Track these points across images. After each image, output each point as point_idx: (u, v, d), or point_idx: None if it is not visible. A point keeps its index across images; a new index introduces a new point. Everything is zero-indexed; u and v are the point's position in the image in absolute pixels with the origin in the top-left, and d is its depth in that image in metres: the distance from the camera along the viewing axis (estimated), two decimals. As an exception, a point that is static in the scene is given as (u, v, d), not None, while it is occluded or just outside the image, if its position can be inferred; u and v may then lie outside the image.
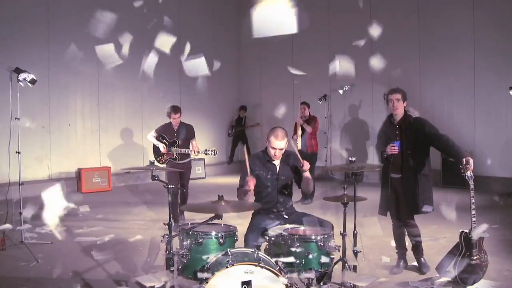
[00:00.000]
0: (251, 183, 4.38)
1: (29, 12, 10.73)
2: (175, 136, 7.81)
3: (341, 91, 12.58)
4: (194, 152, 7.76)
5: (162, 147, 7.73)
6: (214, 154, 7.78)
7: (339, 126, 13.12)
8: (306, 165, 4.57)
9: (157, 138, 7.84)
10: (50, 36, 11.10)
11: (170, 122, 7.85)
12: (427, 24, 11.35)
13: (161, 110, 13.61)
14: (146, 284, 2.31)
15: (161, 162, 7.72)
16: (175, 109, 7.82)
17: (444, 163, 10.45)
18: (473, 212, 4.44)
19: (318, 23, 13.15)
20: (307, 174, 4.64)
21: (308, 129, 9.53)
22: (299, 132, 9.62)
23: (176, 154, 7.75)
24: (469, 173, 4.38)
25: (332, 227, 4.27)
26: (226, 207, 3.60)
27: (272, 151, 4.58)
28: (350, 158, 4.45)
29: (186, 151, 7.70)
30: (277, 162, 4.68)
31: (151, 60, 12.57)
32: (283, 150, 4.61)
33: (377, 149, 5.32)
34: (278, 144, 4.53)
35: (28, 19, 10.67)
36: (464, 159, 4.39)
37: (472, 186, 4.41)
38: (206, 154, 7.74)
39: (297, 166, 4.67)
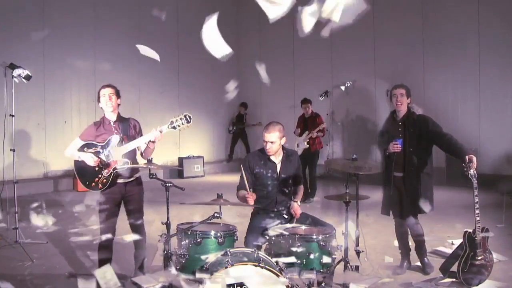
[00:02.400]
0: (250, 200, 4.36)
1: (25, 6, 10.72)
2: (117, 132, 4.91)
3: (343, 87, 12.58)
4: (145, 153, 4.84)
5: (90, 159, 4.60)
6: (188, 122, 4.72)
7: (341, 123, 13.12)
8: (297, 212, 4.59)
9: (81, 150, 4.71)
10: (45, 31, 11.08)
11: (103, 119, 4.87)
12: (431, 19, 11.34)
13: (159, 107, 13.71)
14: (143, 285, 2.30)
15: (100, 184, 4.62)
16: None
17: (448, 161, 10.45)
18: (477, 211, 4.44)
19: (319, 19, 13.13)
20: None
21: (315, 134, 9.56)
22: (304, 135, 9.63)
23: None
24: (472, 172, 4.38)
25: (334, 231, 4.27)
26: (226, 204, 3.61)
27: (264, 145, 4.58)
28: (352, 156, 4.45)
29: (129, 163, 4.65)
30: (277, 161, 4.66)
31: (148, 55, 12.56)
32: (276, 144, 4.56)
33: (380, 146, 5.31)
34: (268, 136, 4.51)
35: (23, 13, 10.66)
36: (467, 157, 4.39)
37: (475, 185, 4.41)
38: (175, 128, 4.65)
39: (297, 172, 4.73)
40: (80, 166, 4.67)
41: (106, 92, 4.72)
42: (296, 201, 4.62)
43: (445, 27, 11.06)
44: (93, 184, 4.60)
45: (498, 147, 10.35)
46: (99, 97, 4.75)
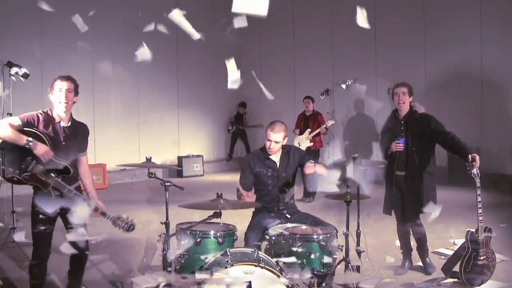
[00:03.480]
0: (248, 198, 4.35)
1: (22, 4, 10.70)
2: (64, 138, 4.08)
3: (344, 86, 12.56)
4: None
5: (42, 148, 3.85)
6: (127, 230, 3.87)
7: (342, 121, 13.11)
8: (310, 169, 4.46)
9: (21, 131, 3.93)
10: (43, 29, 11.08)
11: (51, 115, 4.10)
12: (432, 16, 11.32)
13: (158, 105, 13.70)
14: (142, 285, 2.30)
15: (22, 178, 3.90)
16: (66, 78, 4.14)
17: (451, 160, 10.45)
18: (480, 211, 4.44)
19: (320, 16, 13.13)
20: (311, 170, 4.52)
21: (323, 130, 9.55)
22: (306, 135, 9.62)
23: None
24: (475, 171, 4.37)
25: (336, 231, 4.27)
26: (225, 205, 3.60)
27: (267, 143, 4.58)
28: (353, 155, 4.45)
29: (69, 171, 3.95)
30: (277, 159, 4.67)
31: (147, 54, 12.53)
32: (279, 145, 4.59)
33: (382, 145, 5.31)
34: (273, 136, 4.53)
35: (21, 11, 10.64)
36: (469, 156, 4.38)
37: (478, 184, 4.40)
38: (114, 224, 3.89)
39: (301, 164, 4.65)
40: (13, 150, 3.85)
41: (63, 87, 4.01)
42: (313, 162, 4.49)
43: (446, 24, 11.05)
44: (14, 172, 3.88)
45: (501, 145, 10.34)
46: (52, 89, 4.05)
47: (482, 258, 4.48)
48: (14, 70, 6.29)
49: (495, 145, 10.35)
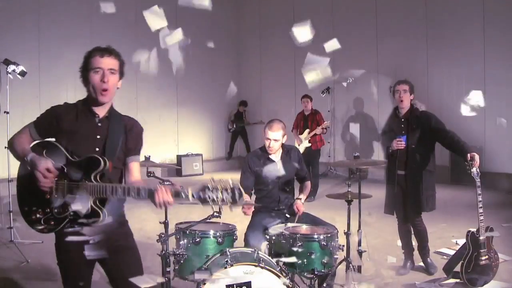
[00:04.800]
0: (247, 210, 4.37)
1: (19, 2, 10.70)
2: (100, 144, 2.95)
3: (344, 84, 12.57)
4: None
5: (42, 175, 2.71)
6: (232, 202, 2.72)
7: (343, 120, 13.12)
8: (300, 208, 4.57)
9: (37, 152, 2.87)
10: (41, 26, 11.07)
11: (80, 107, 2.99)
12: (434, 13, 11.32)
13: (157, 104, 13.69)
14: (140, 286, 2.29)
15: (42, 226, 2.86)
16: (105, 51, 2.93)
17: (453, 160, 10.45)
18: (481, 210, 4.43)
19: (321, 13, 13.12)
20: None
21: (319, 130, 9.53)
22: (305, 134, 9.61)
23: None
24: (474, 170, 4.38)
25: (337, 231, 4.27)
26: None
27: (266, 142, 4.59)
28: (354, 154, 4.45)
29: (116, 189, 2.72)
30: (277, 159, 4.66)
31: (146, 51, 12.53)
32: (279, 143, 4.59)
33: (383, 144, 5.31)
34: (271, 134, 4.53)
35: (18, 8, 10.64)
36: (468, 155, 4.39)
37: (478, 183, 4.41)
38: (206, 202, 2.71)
39: (298, 168, 4.71)
40: (26, 180, 2.83)
41: (105, 66, 2.83)
42: (300, 198, 4.63)
43: (449, 22, 11.04)
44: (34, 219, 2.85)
45: (504, 144, 10.34)
46: (87, 69, 2.85)
47: (483, 258, 4.48)
48: (11, 67, 6.28)
49: (498, 144, 10.35)
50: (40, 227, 2.81)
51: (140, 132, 3.11)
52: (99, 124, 2.92)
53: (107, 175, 2.83)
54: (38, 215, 2.82)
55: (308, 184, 4.88)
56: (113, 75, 2.86)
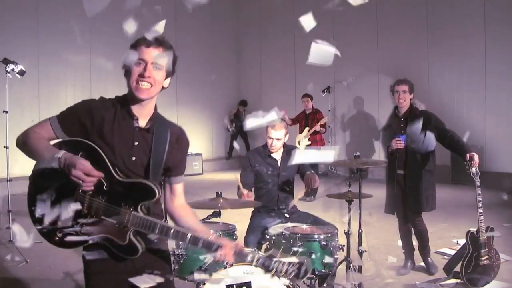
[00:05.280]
0: (248, 199, 4.33)
1: (18, 0, 10.69)
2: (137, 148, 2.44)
3: (345, 83, 12.57)
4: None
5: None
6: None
7: (343, 119, 13.12)
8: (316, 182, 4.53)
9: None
10: (39, 25, 11.07)
11: (119, 108, 2.44)
12: (435, 12, 11.32)
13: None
14: (140, 286, 2.30)
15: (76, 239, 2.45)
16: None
17: (453, 159, 10.45)
18: (480, 210, 4.44)
19: (321, 12, 13.11)
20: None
21: (318, 128, 9.52)
22: (305, 133, 9.61)
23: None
24: (474, 170, 4.38)
25: (337, 231, 4.28)
26: (225, 204, 3.60)
27: (269, 141, 4.60)
28: (354, 153, 4.45)
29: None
30: (278, 157, 4.67)
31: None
32: (281, 142, 4.60)
33: (383, 143, 5.31)
34: (274, 133, 4.54)
35: (17, 7, 10.64)
36: (468, 155, 4.39)
37: (478, 183, 4.41)
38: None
39: (300, 167, 4.70)
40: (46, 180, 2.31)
41: (149, 58, 2.32)
42: (313, 172, 4.58)
43: (450, 21, 11.05)
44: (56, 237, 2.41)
45: (505, 144, 10.34)
46: (131, 63, 2.33)
47: (484, 258, 4.48)
48: (10, 67, 6.28)
49: (499, 144, 10.35)
50: (54, 239, 2.41)
51: (188, 145, 2.59)
52: (137, 129, 2.39)
53: (154, 206, 2.45)
54: (55, 225, 2.33)
55: (308, 174, 4.80)
56: (158, 70, 2.36)
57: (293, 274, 2.31)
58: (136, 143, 2.39)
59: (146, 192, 2.31)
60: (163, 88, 2.46)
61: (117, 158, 2.35)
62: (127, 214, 2.27)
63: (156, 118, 2.48)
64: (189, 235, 2.30)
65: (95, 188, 2.25)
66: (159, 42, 2.41)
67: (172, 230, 2.28)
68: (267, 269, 2.35)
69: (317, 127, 9.50)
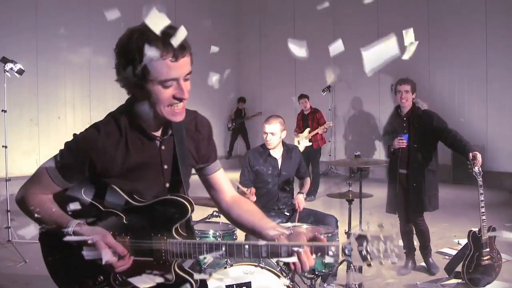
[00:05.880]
0: (251, 196, 4.33)
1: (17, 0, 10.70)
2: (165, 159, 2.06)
3: (345, 82, 12.56)
4: None
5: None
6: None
7: (344, 118, 13.12)
8: (301, 204, 4.59)
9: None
10: (38, 24, 11.06)
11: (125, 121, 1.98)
12: (436, 11, 11.31)
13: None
14: (139, 286, 2.30)
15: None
16: None
17: (455, 159, 10.45)
18: (482, 210, 4.43)
19: (322, 11, 13.10)
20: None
21: (321, 130, 9.50)
22: (305, 133, 9.60)
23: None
24: (476, 169, 4.37)
25: (336, 221, 4.29)
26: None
27: (264, 136, 4.60)
28: (355, 153, 4.46)
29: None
30: (278, 156, 4.67)
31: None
32: (276, 137, 4.58)
33: (384, 143, 5.31)
34: (267, 127, 4.54)
35: (15, 6, 10.63)
36: (470, 154, 4.39)
37: (480, 183, 4.40)
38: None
39: (299, 167, 4.74)
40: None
41: (181, 73, 1.82)
42: (302, 193, 4.64)
43: (451, 19, 11.03)
44: None
45: (506, 143, 10.34)
46: (145, 78, 1.78)
47: (485, 258, 4.48)
48: (8, 66, 6.28)
49: (500, 143, 10.35)
50: None
51: (210, 127, 2.19)
52: (163, 147, 1.98)
53: (191, 222, 2.09)
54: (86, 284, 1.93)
55: (308, 181, 4.90)
56: (189, 80, 1.87)
57: (394, 253, 1.88)
58: (165, 167, 2.00)
59: (175, 210, 1.90)
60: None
61: (143, 191, 1.96)
62: (162, 245, 1.86)
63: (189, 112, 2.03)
64: (247, 246, 1.80)
65: (111, 227, 1.88)
66: (184, 47, 1.79)
67: (224, 247, 1.82)
68: (365, 258, 1.99)
69: (321, 130, 9.48)
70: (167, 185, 2.00)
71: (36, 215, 1.92)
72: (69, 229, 1.83)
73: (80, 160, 1.88)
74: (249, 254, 1.80)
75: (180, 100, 1.82)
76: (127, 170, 1.90)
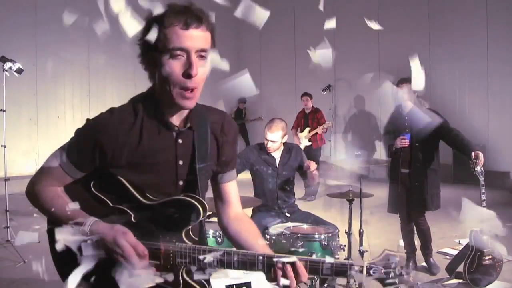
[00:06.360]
0: None
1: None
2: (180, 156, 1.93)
3: (345, 81, 12.55)
4: None
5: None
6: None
7: (344, 118, 13.10)
8: (313, 166, 4.54)
9: None
10: (38, 23, 11.06)
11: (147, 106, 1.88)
12: (437, 9, 11.31)
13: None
14: (139, 286, 2.30)
15: None
16: None
17: (456, 158, 10.45)
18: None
19: (321, 11, 13.10)
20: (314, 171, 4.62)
21: (320, 130, 9.49)
22: (305, 133, 9.59)
23: None
24: (478, 168, 4.37)
25: (337, 231, 4.29)
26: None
27: (265, 142, 4.60)
28: (356, 152, 4.45)
29: None
30: (277, 155, 4.66)
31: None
32: (277, 144, 4.59)
33: (385, 142, 5.30)
34: (270, 135, 4.54)
35: (15, 5, 10.63)
36: (473, 153, 4.38)
37: (482, 182, 4.40)
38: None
39: (301, 165, 4.69)
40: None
41: (192, 44, 1.72)
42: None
43: (451, 18, 11.03)
44: None
45: (507, 142, 10.33)
46: (157, 48, 1.71)
47: (487, 258, 4.48)
48: (7, 65, 6.27)
49: (501, 142, 10.34)
50: None
51: (237, 132, 2.07)
52: (180, 141, 1.85)
53: (204, 227, 2.03)
54: None
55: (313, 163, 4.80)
56: (204, 60, 1.78)
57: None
58: (180, 163, 1.87)
59: (187, 212, 1.81)
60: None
61: (154, 186, 1.84)
62: (171, 248, 1.76)
63: (196, 113, 1.91)
64: (261, 257, 1.78)
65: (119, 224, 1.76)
66: (199, 17, 1.76)
67: (236, 256, 1.78)
68: (387, 285, 1.76)
69: (320, 130, 9.47)
70: (181, 183, 1.88)
71: (48, 210, 1.81)
72: (85, 227, 1.71)
73: (90, 144, 1.76)
74: (263, 267, 1.75)
75: (189, 76, 1.70)
76: (138, 160, 1.78)
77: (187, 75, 1.70)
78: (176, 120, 1.84)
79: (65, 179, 1.84)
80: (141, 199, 1.80)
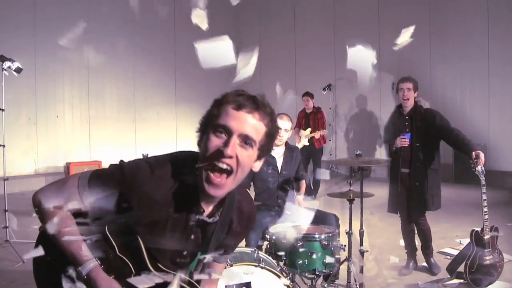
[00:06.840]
0: None
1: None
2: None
3: (345, 81, 12.55)
4: None
5: None
6: None
7: (345, 117, 13.11)
8: (302, 205, 4.62)
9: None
10: (37, 23, 11.06)
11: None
12: (438, 8, 11.30)
13: (155, 101, 13.67)
14: (138, 286, 2.29)
15: None
16: None
17: (456, 158, 10.45)
18: (485, 209, 4.43)
19: (322, 10, 13.09)
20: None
21: (318, 135, 9.47)
22: (307, 132, 9.58)
23: None
24: (479, 168, 4.37)
25: (337, 220, 4.30)
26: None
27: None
28: (356, 152, 4.45)
29: None
30: (278, 156, 4.67)
31: (144, 47, 12.52)
32: (288, 134, 4.64)
33: (385, 142, 5.30)
34: (282, 123, 4.56)
35: (14, 4, 10.62)
36: (473, 153, 4.38)
37: (483, 182, 4.40)
38: None
39: (298, 170, 4.76)
40: None
41: (241, 127, 1.69)
42: (300, 195, 4.66)
43: (452, 17, 11.03)
44: None
45: (508, 142, 10.34)
46: (209, 122, 1.83)
47: (488, 258, 4.48)
48: (6, 64, 6.27)
49: (502, 142, 10.34)
50: None
51: (253, 223, 2.05)
52: (195, 235, 1.87)
53: None
54: None
55: (304, 183, 4.93)
56: (246, 148, 1.67)
57: None
58: (192, 237, 1.85)
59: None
60: (250, 171, 1.76)
61: (161, 251, 1.83)
62: None
63: (228, 202, 1.82)
64: None
65: (118, 274, 1.78)
66: (257, 103, 1.68)
67: None
68: None
69: (317, 135, 9.45)
70: (185, 253, 1.88)
71: (53, 233, 1.77)
72: (83, 269, 1.70)
73: (117, 189, 1.70)
74: None
75: (221, 153, 1.61)
76: (153, 222, 1.73)
77: (219, 151, 1.62)
78: (205, 205, 1.78)
79: (75, 201, 1.78)
80: (148, 263, 1.80)
